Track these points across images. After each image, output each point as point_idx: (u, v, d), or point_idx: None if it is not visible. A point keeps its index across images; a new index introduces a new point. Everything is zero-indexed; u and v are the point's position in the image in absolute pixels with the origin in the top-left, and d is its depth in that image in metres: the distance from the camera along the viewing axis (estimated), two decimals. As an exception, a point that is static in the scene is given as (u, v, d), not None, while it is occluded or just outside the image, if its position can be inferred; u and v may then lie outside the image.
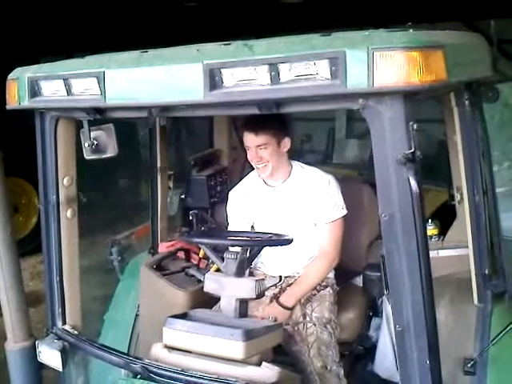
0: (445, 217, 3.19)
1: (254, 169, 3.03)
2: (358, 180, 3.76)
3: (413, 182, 1.74)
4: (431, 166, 3.42)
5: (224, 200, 3.72)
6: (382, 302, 3.18)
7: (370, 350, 3.22)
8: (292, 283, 2.97)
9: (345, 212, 2.95)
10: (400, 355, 1.93)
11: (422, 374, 1.88)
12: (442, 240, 3.10)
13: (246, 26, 5.94)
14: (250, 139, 2.85)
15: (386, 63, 1.65)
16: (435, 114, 2.83)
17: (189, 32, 5.65)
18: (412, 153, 1.74)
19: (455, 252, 2.86)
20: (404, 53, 1.65)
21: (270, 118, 2.39)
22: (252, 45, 1.85)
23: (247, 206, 3.05)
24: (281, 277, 2.65)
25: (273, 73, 1.77)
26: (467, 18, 6.04)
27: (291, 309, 2.84)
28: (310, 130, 7.73)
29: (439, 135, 4.40)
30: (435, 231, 3.15)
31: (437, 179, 4.05)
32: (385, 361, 3.07)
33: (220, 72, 1.85)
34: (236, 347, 2.17)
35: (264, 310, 2.82)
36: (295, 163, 3.04)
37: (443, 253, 2.93)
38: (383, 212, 1.83)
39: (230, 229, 3.12)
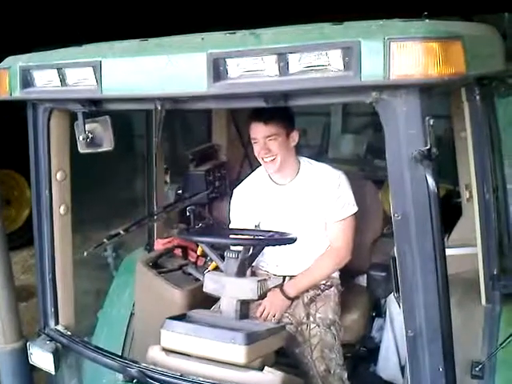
0: (446, 213, 3.11)
1: (253, 166, 2.93)
2: (360, 176, 3.68)
3: (430, 180, 1.66)
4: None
5: (222, 196, 3.64)
6: (385, 302, 3.11)
7: (373, 351, 3.15)
8: None
9: (356, 209, 2.85)
10: (411, 361, 1.84)
11: (434, 382, 1.80)
12: (447, 238, 3.03)
13: (252, 14, 5.81)
14: (259, 130, 2.72)
15: (403, 54, 1.55)
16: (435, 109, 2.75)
17: (192, 20, 5.51)
18: (428, 149, 1.65)
19: (462, 251, 2.79)
20: (422, 43, 1.55)
21: (279, 108, 2.28)
22: (259, 33, 1.75)
23: (253, 205, 2.93)
24: (284, 277, 2.56)
25: (281, 63, 1.67)
26: (469, 11, 5.96)
27: (292, 299, 2.76)
28: (305, 125, 7.67)
29: (438, 130, 4.34)
30: (441, 229, 3.07)
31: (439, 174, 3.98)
32: (388, 363, 3.03)
33: (225, 62, 1.75)
34: (237, 351, 2.09)
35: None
36: (303, 159, 2.93)
37: (449, 252, 2.85)
38: (396, 211, 1.75)
39: (231, 227, 3.03)
